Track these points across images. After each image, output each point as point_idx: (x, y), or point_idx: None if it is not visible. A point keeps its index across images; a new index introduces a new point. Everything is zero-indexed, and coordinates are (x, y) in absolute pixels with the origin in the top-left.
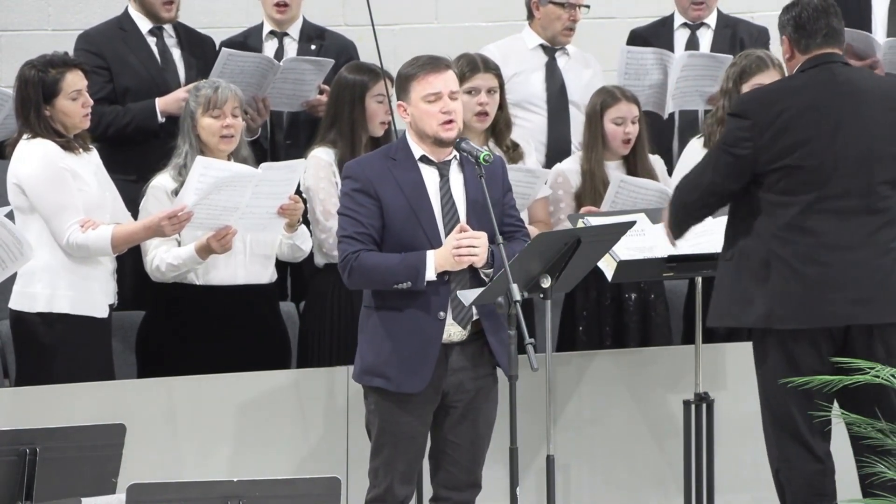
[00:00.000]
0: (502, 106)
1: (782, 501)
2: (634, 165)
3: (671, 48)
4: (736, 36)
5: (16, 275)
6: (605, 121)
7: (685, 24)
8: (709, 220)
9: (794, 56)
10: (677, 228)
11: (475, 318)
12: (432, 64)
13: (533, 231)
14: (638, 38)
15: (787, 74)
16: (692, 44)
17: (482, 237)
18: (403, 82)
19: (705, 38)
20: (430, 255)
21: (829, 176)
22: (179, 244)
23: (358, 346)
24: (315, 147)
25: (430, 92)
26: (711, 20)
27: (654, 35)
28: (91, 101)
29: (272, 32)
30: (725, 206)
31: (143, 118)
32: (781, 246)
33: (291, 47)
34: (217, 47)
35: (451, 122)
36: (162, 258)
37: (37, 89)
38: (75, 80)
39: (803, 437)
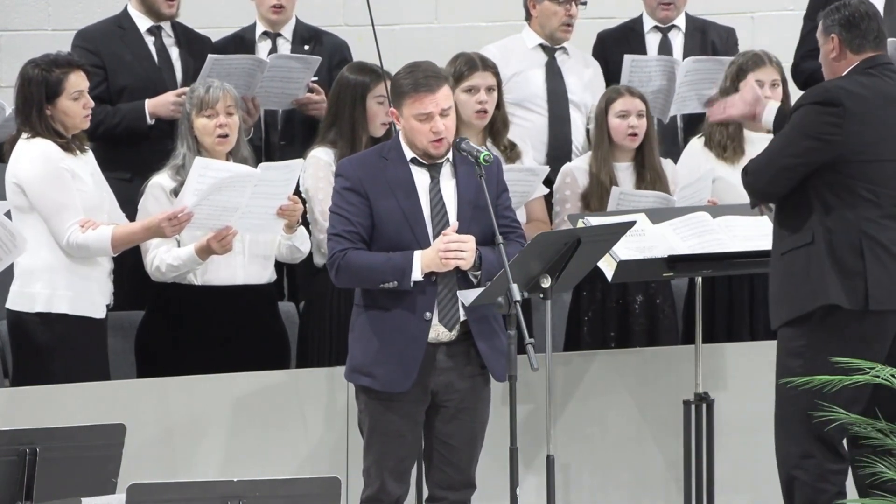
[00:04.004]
0: (499, 105)
1: (789, 500)
2: (643, 166)
3: (643, 52)
4: (707, 38)
5: (14, 275)
6: (610, 115)
7: (656, 27)
8: (709, 219)
9: (845, 56)
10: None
11: (462, 319)
12: (426, 85)
13: (528, 230)
14: (606, 40)
15: (831, 74)
16: (665, 47)
17: (470, 241)
18: (397, 94)
19: (677, 40)
20: (417, 255)
21: None
22: (179, 244)
23: (349, 345)
24: (315, 147)
25: (421, 112)
26: (681, 23)
27: (623, 38)
28: (92, 103)
29: (265, 33)
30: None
31: (132, 119)
32: (878, 231)
33: (285, 48)
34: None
35: (441, 140)
36: (162, 258)
37: (40, 89)
38: (78, 81)
39: (829, 434)
